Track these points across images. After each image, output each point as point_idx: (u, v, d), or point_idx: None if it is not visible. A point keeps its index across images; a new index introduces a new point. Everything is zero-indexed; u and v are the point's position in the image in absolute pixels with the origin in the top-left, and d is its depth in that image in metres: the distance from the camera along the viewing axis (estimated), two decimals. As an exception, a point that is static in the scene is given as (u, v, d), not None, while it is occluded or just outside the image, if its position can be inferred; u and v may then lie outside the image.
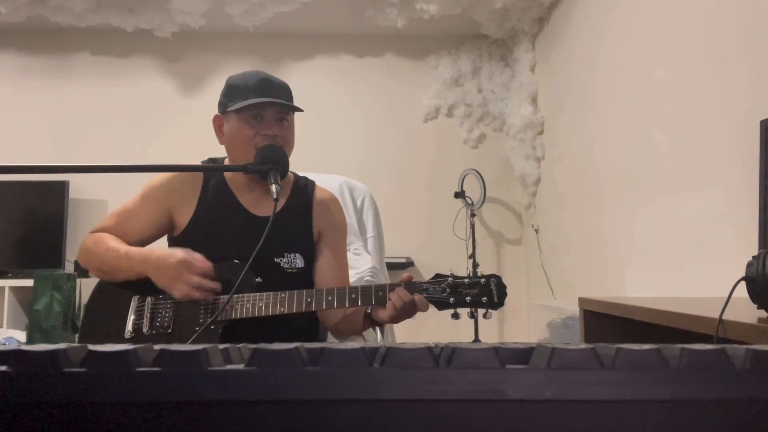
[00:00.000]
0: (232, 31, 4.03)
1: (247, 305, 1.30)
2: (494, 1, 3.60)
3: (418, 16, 3.76)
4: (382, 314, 1.27)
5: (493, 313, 1.26)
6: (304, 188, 1.55)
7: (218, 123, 1.47)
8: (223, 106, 1.44)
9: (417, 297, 1.24)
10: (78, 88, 4.07)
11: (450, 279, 1.25)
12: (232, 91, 1.42)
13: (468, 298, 1.23)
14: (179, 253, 1.31)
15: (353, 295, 1.27)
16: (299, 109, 1.43)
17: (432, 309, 1.26)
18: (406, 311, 1.24)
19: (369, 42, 4.21)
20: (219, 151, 1.59)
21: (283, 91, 1.42)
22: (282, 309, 1.28)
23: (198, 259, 1.31)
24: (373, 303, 1.26)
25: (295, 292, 1.29)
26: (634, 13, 2.58)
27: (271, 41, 4.16)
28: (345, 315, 1.46)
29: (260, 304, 1.29)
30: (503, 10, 3.75)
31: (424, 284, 1.26)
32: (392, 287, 1.26)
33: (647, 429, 0.30)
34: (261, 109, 1.39)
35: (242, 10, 3.68)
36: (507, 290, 1.25)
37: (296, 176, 1.58)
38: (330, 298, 1.27)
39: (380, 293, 1.26)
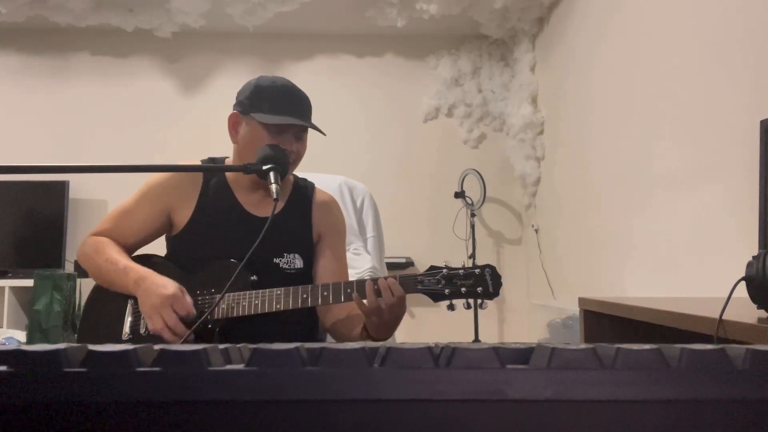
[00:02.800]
0: (232, 31, 4.03)
1: (244, 303, 1.30)
2: (494, 1, 3.60)
3: (418, 16, 3.76)
4: (366, 311, 1.27)
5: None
6: (304, 189, 1.56)
7: (234, 121, 1.45)
8: (245, 107, 1.41)
9: (382, 282, 1.24)
10: (78, 88, 4.07)
11: (445, 270, 1.26)
12: (259, 97, 1.40)
13: (463, 289, 1.24)
14: (171, 287, 1.29)
15: (348, 290, 1.27)
16: (322, 133, 1.43)
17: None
18: (390, 306, 1.24)
19: (369, 42, 4.21)
20: (220, 151, 1.59)
21: (307, 108, 1.44)
22: (278, 306, 1.28)
23: (188, 302, 1.29)
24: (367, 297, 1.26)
25: (291, 288, 1.29)
26: (634, 13, 2.58)
27: (271, 41, 4.15)
28: (343, 318, 1.45)
29: (256, 302, 1.30)
30: (503, 10, 3.75)
31: (419, 276, 1.26)
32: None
33: (647, 429, 0.30)
34: (287, 124, 1.39)
35: (242, 10, 3.68)
36: (503, 281, 1.26)
37: (296, 178, 1.58)
38: (325, 293, 1.28)
39: (375, 287, 1.26)
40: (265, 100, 1.39)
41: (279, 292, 1.29)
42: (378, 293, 1.24)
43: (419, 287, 1.25)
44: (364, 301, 1.26)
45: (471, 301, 1.27)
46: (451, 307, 1.27)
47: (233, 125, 1.45)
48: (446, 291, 1.24)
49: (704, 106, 2.05)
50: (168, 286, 1.29)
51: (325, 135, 1.44)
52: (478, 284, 1.24)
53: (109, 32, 3.99)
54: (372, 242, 2.14)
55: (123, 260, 1.38)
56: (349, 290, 1.27)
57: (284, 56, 4.17)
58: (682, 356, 0.32)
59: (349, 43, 4.21)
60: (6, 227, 3.75)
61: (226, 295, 1.30)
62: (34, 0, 3.63)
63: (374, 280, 1.27)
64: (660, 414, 0.30)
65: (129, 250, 1.46)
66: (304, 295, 1.28)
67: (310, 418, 0.31)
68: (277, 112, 1.37)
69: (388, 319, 1.26)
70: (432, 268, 1.27)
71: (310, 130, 1.47)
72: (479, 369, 0.31)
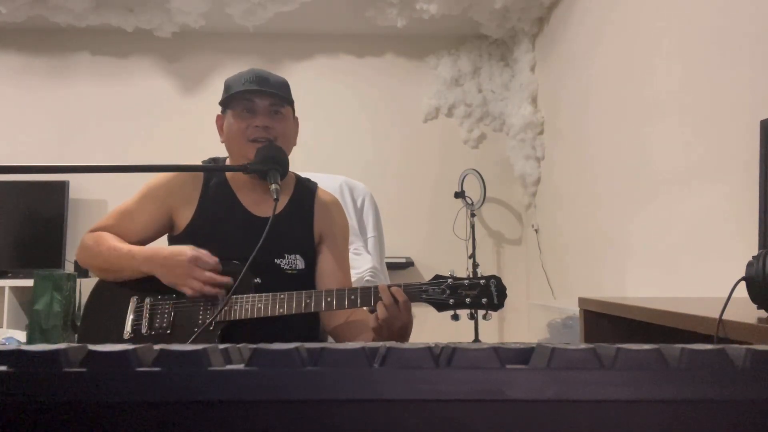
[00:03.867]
0: (232, 31, 4.03)
1: (246, 306, 1.30)
2: (494, 1, 3.60)
3: (418, 16, 3.76)
4: (376, 321, 1.26)
5: (493, 313, 1.26)
6: (306, 189, 1.55)
7: (219, 123, 1.48)
8: (222, 105, 1.45)
9: (395, 289, 1.23)
10: (78, 88, 4.07)
11: (449, 280, 1.25)
12: (227, 89, 1.43)
13: (468, 300, 1.23)
14: (188, 250, 1.30)
15: (352, 296, 1.26)
16: (289, 100, 1.43)
17: (432, 310, 1.25)
18: (398, 311, 1.23)
19: (369, 42, 4.21)
20: (220, 151, 1.59)
21: (277, 85, 1.42)
22: (281, 310, 1.28)
23: (206, 254, 1.31)
24: (372, 304, 1.26)
25: (294, 293, 1.29)
26: (634, 13, 2.58)
27: (271, 41, 4.16)
28: (347, 321, 1.45)
29: (259, 305, 1.29)
30: (503, 10, 3.75)
31: (424, 285, 1.25)
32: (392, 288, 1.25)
33: (647, 429, 0.30)
34: (253, 102, 1.39)
35: (242, 10, 3.68)
36: (507, 291, 1.25)
37: (298, 177, 1.58)
38: (329, 299, 1.27)
39: (380, 294, 1.25)
40: (232, 88, 1.41)
41: (282, 296, 1.29)
42: (387, 301, 1.22)
43: (423, 297, 1.24)
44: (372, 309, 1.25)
45: (475, 311, 1.26)
46: (455, 317, 1.26)
47: (219, 127, 1.48)
48: (450, 301, 1.23)
49: (704, 106, 2.05)
50: (184, 250, 1.31)
51: (293, 102, 1.44)
52: (482, 295, 1.23)
53: (109, 32, 3.99)
54: (372, 242, 2.14)
55: (125, 246, 1.38)
56: (352, 297, 1.26)
57: (284, 56, 4.17)
58: (682, 356, 0.32)
59: (349, 43, 4.21)
60: (6, 227, 3.75)
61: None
62: (34, 0, 3.63)
63: (377, 288, 1.26)
64: (660, 414, 0.30)
65: None
66: (307, 301, 1.28)
67: (310, 418, 0.31)
68: (239, 88, 1.39)
69: (398, 327, 1.24)
70: (437, 277, 1.26)
71: (298, 112, 1.47)
72: (479, 369, 0.31)
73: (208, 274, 1.29)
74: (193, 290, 1.29)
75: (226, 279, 1.30)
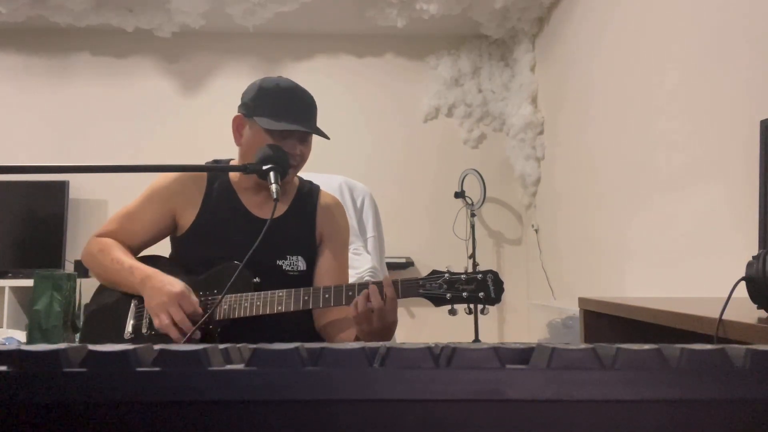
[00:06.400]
0: (232, 31, 4.03)
1: (245, 304, 1.30)
2: (494, 1, 3.60)
3: (418, 16, 3.76)
4: (354, 310, 1.24)
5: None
6: (308, 192, 1.56)
7: (238, 124, 1.45)
8: (249, 110, 1.41)
9: (386, 282, 1.23)
10: (78, 88, 4.07)
11: (446, 275, 1.25)
12: (263, 100, 1.39)
13: (465, 294, 1.23)
14: (179, 285, 1.29)
15: (350, 293, 1.26)
16: (326, 137, 1.44)
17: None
18: (379, 310, 1.21)
19: (369, 42, 4.21)
20: (221, 151, 1.59)
21: (312, 112, 1.43)
22: (279, 308, 1.28)
23: (194, 300, 1.30)
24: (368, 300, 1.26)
25: (293, 290, 1.29)
26: (634, 13, 2.58)
27: (271, 41, 4.15)
28: (335, 319, 1.45)
29: (258, 303, 1.29)
30: (503, 10, 3.75)
31: (421, 280, 1.26)
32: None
33: (647, 429, 0.30)
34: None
35: (242, 10, 3.68)
36: (504, 285, 1.25)
37: (301, 180, 1.58)
38: (327, 295, 1.27)
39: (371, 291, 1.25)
40: (268, 104, 1.38)
41: (281, 294, 1.29)
42: (372, 297, 1.21)
43: (421, 291, 1.25)
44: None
45: (472, 306, 1.27)
46: (452, 312, 1.26)
47: (237, 128, 1.45)
48: (448, 295, 1.23)
49: (704, 105, 2.05)
50: (175, 284, 1.30)
51: (329, 139, 1.44)
52: (480, 289, 1.23)
53: (109, 32, 3.99)
54: (372, 242, 2.14)
55: (128, 260, 1.39)
56: (350, 293, 1.26)
57: (284, 56, 4.17)
58: (682, 356, 0.32)
59: (349, 43, 4.21)
60: (6, 227, 3.75)
61: (228, 296, 1.31)
62: (34, 0, 3.62)
63: (376, 284, 1.25)
64: (660, 414, 0.30)
65: (134, 251, 1.47)
66: (306, 297, 1.28)
67: (310, 418, 0.31)
68: (279, 118, 1.36)
69: (378, 326, 1.22)
70: (434, 272, 1.26)
71: None
72: (479, 369, 0.31)
73: (182, 316, 1.26)
74: (160, 323, 1.28)
75: (193, 329, 1.26)
